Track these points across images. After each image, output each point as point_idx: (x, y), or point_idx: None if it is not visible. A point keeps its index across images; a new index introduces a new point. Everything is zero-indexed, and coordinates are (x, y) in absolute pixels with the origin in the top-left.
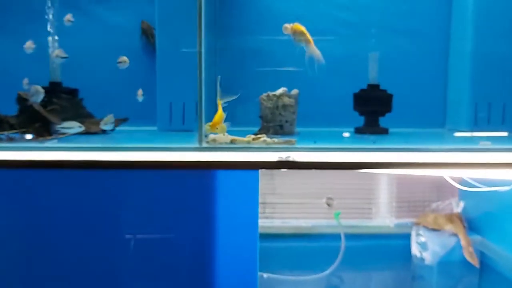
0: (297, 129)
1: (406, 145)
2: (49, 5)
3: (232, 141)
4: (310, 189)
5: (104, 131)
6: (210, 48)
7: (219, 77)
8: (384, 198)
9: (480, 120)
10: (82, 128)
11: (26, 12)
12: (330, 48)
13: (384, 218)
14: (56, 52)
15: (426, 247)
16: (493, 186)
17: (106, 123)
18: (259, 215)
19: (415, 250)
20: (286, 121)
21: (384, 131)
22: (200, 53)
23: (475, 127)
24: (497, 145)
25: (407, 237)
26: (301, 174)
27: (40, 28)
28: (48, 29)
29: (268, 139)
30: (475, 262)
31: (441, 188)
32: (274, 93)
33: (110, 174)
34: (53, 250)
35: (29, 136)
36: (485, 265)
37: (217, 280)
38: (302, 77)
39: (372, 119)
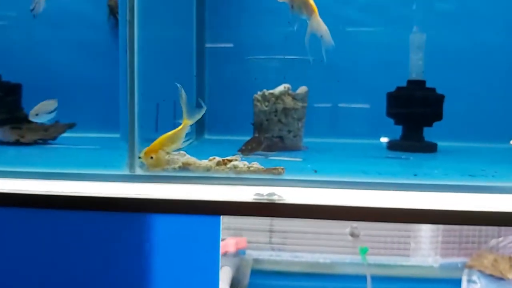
0: (304, 143)
1: (477, 180)
2: None
3: (183, 167)
4: None
5: (43, 141)
6: (186, 43)
7: (180, 86)
8: (426, 230)
9: None
10: None
11: None
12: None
13: (425, 257)
14: None
15: None
16: None
17: (37, 114)
18: (265, 245)
19: None
20: (289, 131)
21: (431, 148)
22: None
23: None
24: None
25: (456, 283)
26: None
27: None
28: None
29: (241, 165)
30: None
31: None
32: (271, 91)
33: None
34: None
35: None
36: None
37: None
38: (312, 69)
39: (413, 130)
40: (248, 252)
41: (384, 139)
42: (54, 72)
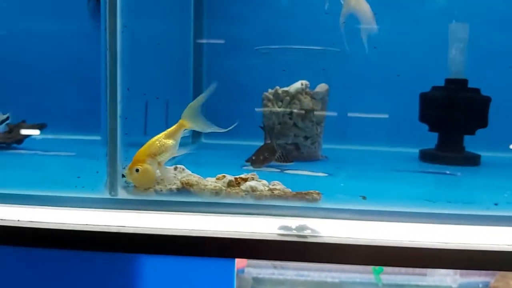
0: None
1: None
2: None
3: (182, 187)
4: None
5: (6, 145)
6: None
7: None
8: None
9: None
10: None
11: None
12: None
13: (443, 276)
14: None
15: None
16: None
17: None
18: (266, 263)
19: None
20: (306, 138)
21: (473, 160)
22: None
23: None
24: None
25: None
26: None
27: None
28: None
29: (261, 186)
30: None
31: None
32: (286, 88)
33: None
34: None
35: None
36: None
37: None
38: (336, 62)
39: (452, 138)
40: (247, 270)
41: None
42: (26, 65)
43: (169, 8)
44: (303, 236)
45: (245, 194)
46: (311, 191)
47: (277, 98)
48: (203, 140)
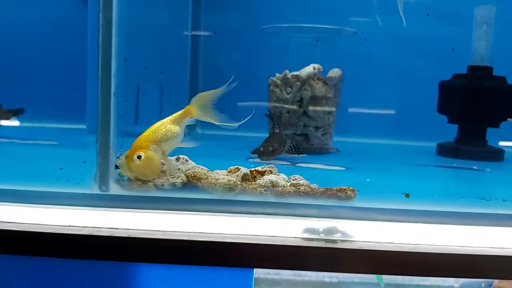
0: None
1: None
2: None
3: (188, 182)
4: None
5: None
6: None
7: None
8: None
9: None
10: None
11: None
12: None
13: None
14: None
15: None
16: None
17: None
18: None
19: None
20: (317, 128)
21: (497, 155)
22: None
23: None
24: None
25: None
26: None
27: None
28: None
29: (282, 181)
30: None
31: None
32: (296, 73)
33: None
34: None
35: None
36: None
37: None
38: (353, 45)
39: (474, 131)
40: None
41: None
42: (5, 48)
43: None
44: (333, 240)
45: (265, 191)
46: (344, 187)
47: (286, 83)
48: (199, 130)
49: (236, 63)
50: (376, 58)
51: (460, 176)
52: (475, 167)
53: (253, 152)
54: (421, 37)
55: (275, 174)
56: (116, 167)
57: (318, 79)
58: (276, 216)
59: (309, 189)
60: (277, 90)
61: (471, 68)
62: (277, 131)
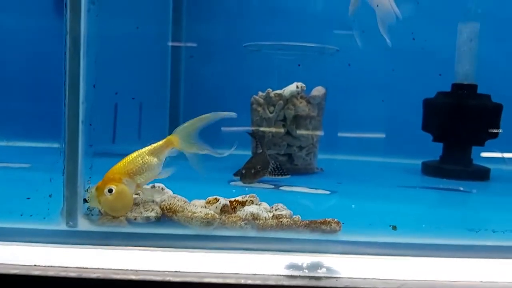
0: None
1: None
2: None
3: (163, 215)
4: None
5: None
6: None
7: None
8: None
9: None
10: None
11: None
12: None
13: None
14: None
15: None
16: None
17: None
18: None
19: None
20: (301, 148)
21: (483, 174)
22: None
23: None
24: None
25: None
26: None
27: None
28: None
29: (263, 213)
30: None
31: None
32: (279, 91)
33: None
34: None
35: None
36: None
37: None
38: (336, 61)
39: (459, 150)
40: None
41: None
42: None
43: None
44: (317, 277)
45: (245, 224)
46: (329, 219)
47: (269, 102)
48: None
49: (218, 81)
50: (360, 75)
51: (447, 200)
52: (461, 188)
53: (235, 174)
54: (407, 54)
55: (256, 204)
56: (85, 201)
57: (301, 97)
58: (257, 251)
59: (292, 222)
60: (260, 109)
61: (456, 86)
62: (260, 151)
